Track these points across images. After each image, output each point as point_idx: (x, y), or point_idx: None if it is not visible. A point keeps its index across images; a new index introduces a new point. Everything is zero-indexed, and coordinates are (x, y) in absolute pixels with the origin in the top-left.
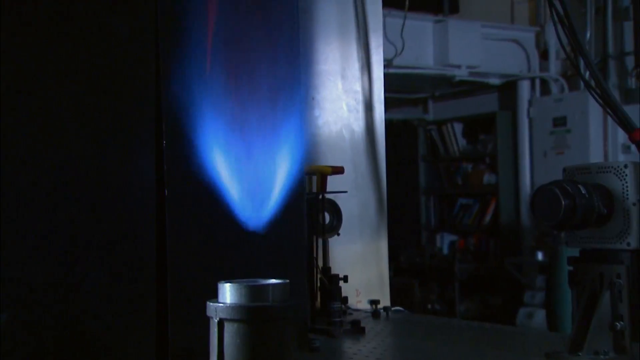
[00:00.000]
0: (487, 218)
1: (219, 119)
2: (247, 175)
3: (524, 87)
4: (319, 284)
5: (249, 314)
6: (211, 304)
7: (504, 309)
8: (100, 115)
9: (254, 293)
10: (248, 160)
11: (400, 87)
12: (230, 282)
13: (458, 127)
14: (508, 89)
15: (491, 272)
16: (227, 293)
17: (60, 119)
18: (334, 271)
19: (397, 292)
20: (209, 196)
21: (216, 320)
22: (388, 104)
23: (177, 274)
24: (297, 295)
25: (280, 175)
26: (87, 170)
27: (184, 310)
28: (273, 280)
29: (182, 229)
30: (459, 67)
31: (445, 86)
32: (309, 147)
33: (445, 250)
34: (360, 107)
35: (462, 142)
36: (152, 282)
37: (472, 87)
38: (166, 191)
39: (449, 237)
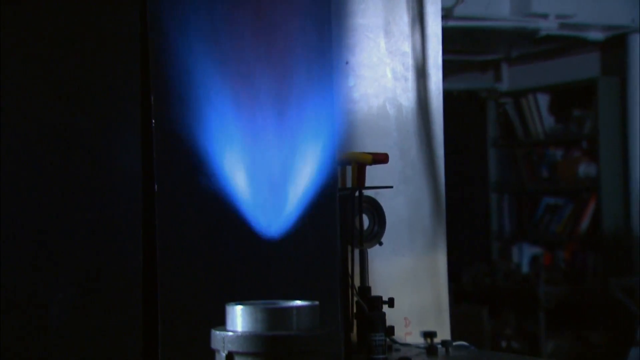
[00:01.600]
0: (584, 224)
1: (223, 92)
2: (262, 166)
3: (637, 44)
4: (355, 310)
5: (267, 346)
6: (218, 332)
7: (609, 349)
8: (69, 89)
9: (274, 318)
10: (262, 147)
11: (464, 46)
12: (242, 304)
13: (543, 100)
14: (614, 46)
15: (590, 297)
16: (239, 318)
17: (15, 96)
18: (375, 292)
19: (460, 322)
20: (212, 193)
21: (224, 354)
22: (447, 69)
23: (170, 293)
24: (328, 322)
25: (305, 165)
26: (54, 156)
27: (180, 339)
28: (297, 302)
29: (176, 234)
30: (545, 17)
31: (526, 44)
32: (342, 129)
33: (525, 268)
34: (410, 75)
35: (548, 120)
36: (138, 303)
37: (563, 45)
38: (156, 186)
39: (530, 250)
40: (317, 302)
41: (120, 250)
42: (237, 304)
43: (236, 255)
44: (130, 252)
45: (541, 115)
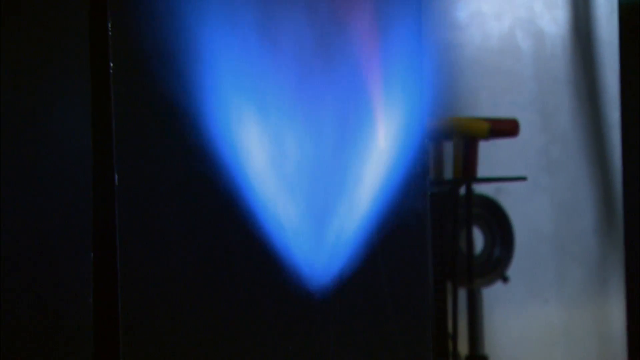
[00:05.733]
0: None
1: (232, 26)
2: (297, 147)
3: None
4: None
5: None
6: None
7: None
8: None
9: None
10: (298, 113)
11: None
12: None
13: None
14: None
15: None
16: None
17: None
18: None
19: None
20: (212, 193)
21: None
22: None
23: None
24: None
25: (371, 144)
26: None
27: None
28: None
29: (149, 254)
30: None
31: None
32: (438, 76)
33: None
34: None
35: None
36: None
37: None
38: (116, 177)
39: None
40: None
41: (59, 282)
42: None
43: (253, 295)
44: (76, 287)
45: None
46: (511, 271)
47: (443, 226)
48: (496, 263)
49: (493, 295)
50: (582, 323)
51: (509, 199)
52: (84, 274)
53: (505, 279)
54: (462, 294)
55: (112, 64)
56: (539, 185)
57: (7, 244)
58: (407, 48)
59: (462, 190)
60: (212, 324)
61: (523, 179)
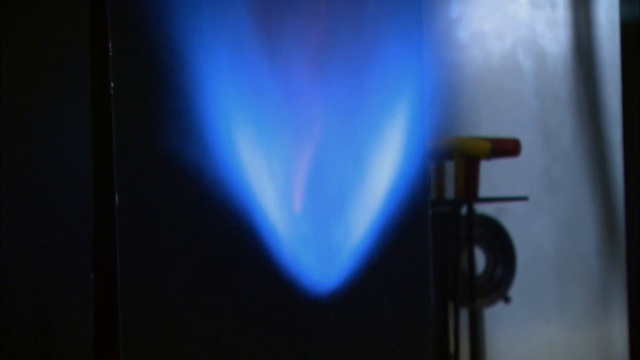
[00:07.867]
0: None
1: (234, 40)
2: (297, 166)
3: None
4: None
5: None
6: None
7: None
8: None
9: None
10: (299, 134)
11: None
12: None
13: None
14: None
15: None
16: None
17: None
18: None
19: None
20: (214, 212)
21: None
22: None
23: None
24: None
25: (371, 163)
26: None
27: None
28: None
29: (151, 279)
30: None
31: None
32: (439, 96)
33: None
34: None
35: None
36: None
37: None
38: (117, 198)
39: None
40: None
41: (56, 303)
42: None
43: (256, 306)
44: (75, 311)
45: None
46: (513, 291)
47: (444, 246)
48: (498, 283)
49: (495, 315)
50: (585, 343)
51: (510, 219)
52: (84, 288)
53: (507, 300)
54: (464, 314)
55: (112, 83)
56: (540, 205)
57: (8, 264)
58: (409, 67)
59: (464, 210)
60: (211, 334)
61: (524, 199)
